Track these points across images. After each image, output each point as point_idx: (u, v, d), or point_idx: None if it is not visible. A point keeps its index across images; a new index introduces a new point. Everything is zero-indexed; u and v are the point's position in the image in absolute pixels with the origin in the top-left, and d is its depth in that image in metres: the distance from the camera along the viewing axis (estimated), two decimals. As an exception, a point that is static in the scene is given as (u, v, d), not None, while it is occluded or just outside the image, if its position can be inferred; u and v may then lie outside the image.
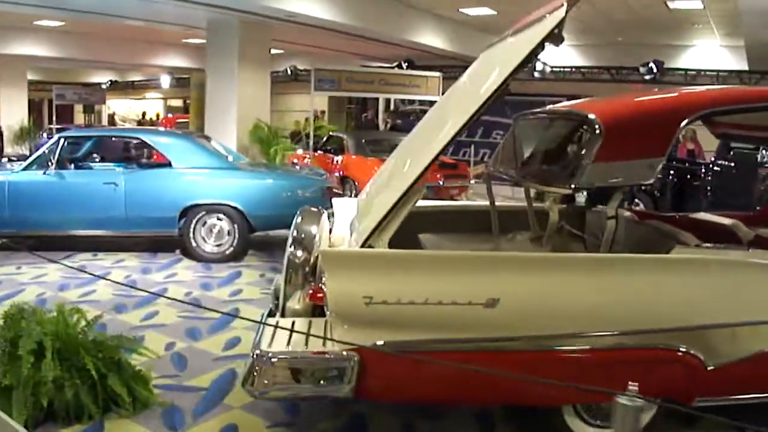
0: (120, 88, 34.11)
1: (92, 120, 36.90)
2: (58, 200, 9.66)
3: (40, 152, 9.93)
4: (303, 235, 5.02)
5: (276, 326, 4.24)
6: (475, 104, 3.99)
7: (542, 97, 21.48)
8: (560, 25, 3.80)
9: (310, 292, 4.42)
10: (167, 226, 9.71)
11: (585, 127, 4.30)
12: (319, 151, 15.82)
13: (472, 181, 15.36)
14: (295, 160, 15.68)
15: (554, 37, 3.84)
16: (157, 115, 37.73)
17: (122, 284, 7.83)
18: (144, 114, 37.86)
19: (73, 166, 10.47)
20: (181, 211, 9.58)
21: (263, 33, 15.31)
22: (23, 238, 10.25)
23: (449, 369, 3.71)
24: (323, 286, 4.20)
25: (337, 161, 15.05)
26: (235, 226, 9.65)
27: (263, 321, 4.65)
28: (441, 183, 14.30)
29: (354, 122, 25.36)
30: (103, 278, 6.99)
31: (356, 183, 13.66)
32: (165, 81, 30.90)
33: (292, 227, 5.11)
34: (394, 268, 4.05)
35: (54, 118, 23.89)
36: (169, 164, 9.80)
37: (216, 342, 6.48)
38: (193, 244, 9.66)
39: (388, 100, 25.17)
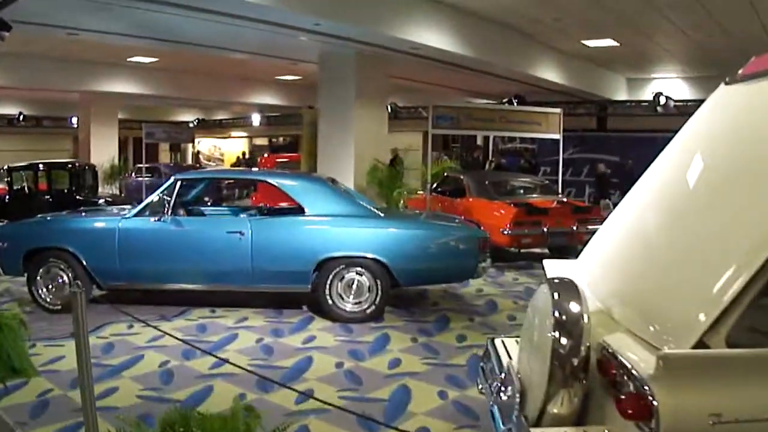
0: (208, 126, 33.49)
1: (178, 159, 36.39)
2: (176, 251, 8.56)
3: (153, 196, 8.86)
4: (565, 317, 3.66)
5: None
6: None
7: (651, 133, 20.09)
8: None
9: (622, 404, 3.11)
10: (299, 282, 8.50)
11: None
12: (432, 193, 14.55)
13: (605, 227, 13.91)
14: (402, 202, 14.46)
15: None
16: (243, 154, 36.98)
17: (269, 379, 6.61)
18: (244, 154, 36.99)
19: (183, 211, 9.35)
20: (316, 264, 8.37)
21: (381, 66, 14.21)
22: (135, 292, 9.23)
23: None
24: (652, 399, 2.91)
25: (455, 204, 13.76)
26: (378, 281, 8.39)
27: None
28: (575, 228, 12.92)
29: (459, 162, 24.02)
30: (239, 366, 5.74)
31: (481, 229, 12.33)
32: (255, 119, 30.13)
33: (547, 304, 3.78)
34: (749, 374, 2.81)
35: (143, 157, 23.13)
36: (301, 211, 8.62)
37: (399, 437, 5.18)
38: (329, 301, 8.42)
39: (486, 138, 23.96)
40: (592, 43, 16.31)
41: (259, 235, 8.38)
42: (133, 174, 24.61)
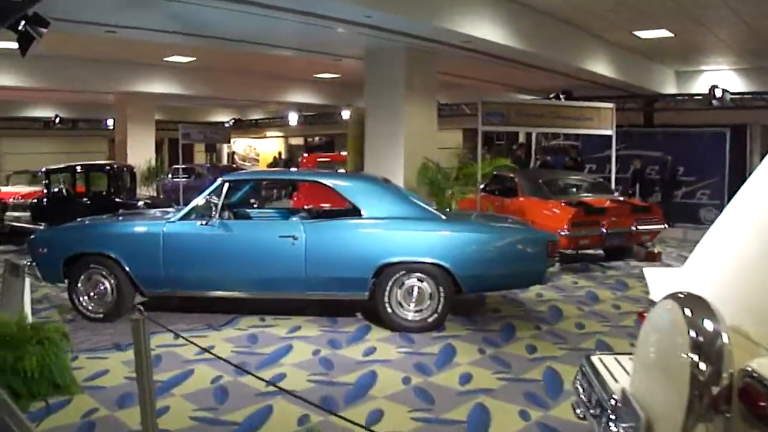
0: (243, 126, 33.03)
1: (213, 159, 36.06)
2: (225, 256, 8.08)
3: (199, 199, 8.37)
4: (703, 338, 3.08)
5: None
6: None
7: (702, 128, 19.36)
8: None
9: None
10: (356, 289, 7.97)
11: None
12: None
13: (664, 226, 13.32)
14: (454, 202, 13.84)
15: None
16: (279, 154, 36.58)
17: (335, 411, 6.08)
18: (280, 154, 36.70)
19: (230, 214, 8.88)
20: (375, 270, 7.84)
21: (430, 61, 13.59)
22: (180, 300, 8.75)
23: None
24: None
25: (506, 204, 13.18)
26: (440, 288, 7.83)
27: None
28: (634, 228, 12.35)
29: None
30: (295, 396, 5.24)
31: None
32: (292, 118, 29.63)
33: (675, 323, 3.20)
34: None
35: (180, 158, 22.75)
36: (358, 213, 8.08)
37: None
38: (389, 309, 7.87)
39: (528, 135, 23.33)
40: (645, 34, 15.60)
41: (314, 239, 7.86)
42: (170, 175, 24.23)
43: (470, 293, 8.40)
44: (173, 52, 18.44)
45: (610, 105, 15.42)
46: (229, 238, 8.07)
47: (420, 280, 7.85)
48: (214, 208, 8.16)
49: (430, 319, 7.86)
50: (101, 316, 8.21)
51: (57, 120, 28.10)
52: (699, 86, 20.27)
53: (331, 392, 5.96)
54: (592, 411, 3.92)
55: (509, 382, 6.31)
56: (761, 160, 3.70)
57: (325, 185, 8.47)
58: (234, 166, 31.14)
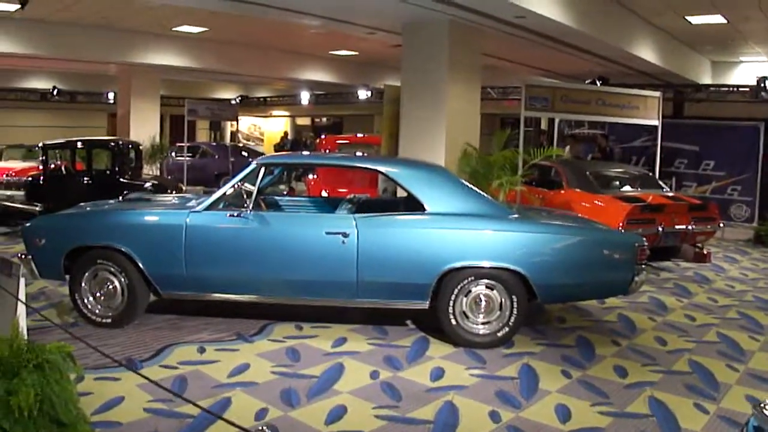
0: (251, 104, 31.63)
1: (217, 137, 34.85)
2: (261, 255, 6.84)
3: (229, 186, 7.14)
4: None
5: None
6: None
7: (732, 121, 18.23)
8: None
9: None
10: (415, 297, 6.78)
11: None
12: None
13: (721, 225, 12.22)
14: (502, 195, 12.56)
15: None
16: (285, 134, 35.32)
17: None
18: (286, 134, 35.48)
19: (264, 205, 7.75)
20: (440, 275, 6.67)
21: (475, 37, 12.27)
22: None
23: None
24: None
25: (548, 197, 12.03)
26: (513, 298, 6.68)
27: None
28: (691, 227, 11.23)
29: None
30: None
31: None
32: (304, 97, 28.29)
33: None
34: None
35: (185, 136, 21.52)
36: (419, 207, 6.89)
37: None
38: (453, 321, 6.71)
39: (551, 122, 22.19)
40: (697, 19, 14.46)
41: (368, 237, 6.64)
42: (173, 153, 22.96)
43: (548, 303, 7.31)
44: (183, 21, 17.15)
45: (657, 94, 14.38)
46: (266, 233, 6.85)
47: (489, 287, 6.70)
48: (247, 197, 6.97)
49: (499, 333, 6.73)
50: (109, 320, 7.00)
51: (55, 92, 26.69)
52: (735, 78, 19.30)
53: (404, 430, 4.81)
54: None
55: (615, 418, 5.20)
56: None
57: (382, 173, 7.33)
58: (241, 145, 29.79)
